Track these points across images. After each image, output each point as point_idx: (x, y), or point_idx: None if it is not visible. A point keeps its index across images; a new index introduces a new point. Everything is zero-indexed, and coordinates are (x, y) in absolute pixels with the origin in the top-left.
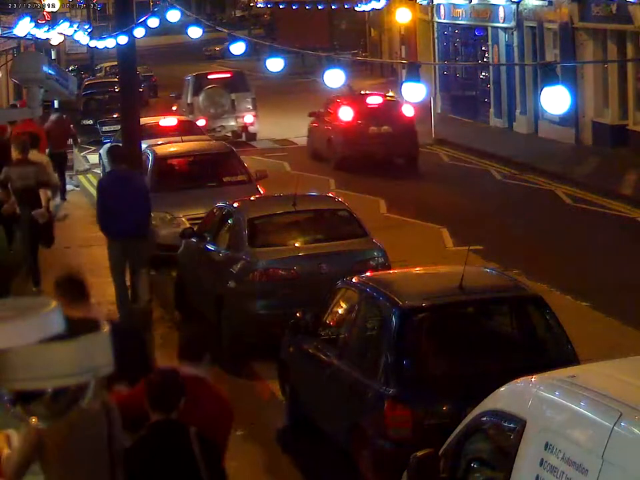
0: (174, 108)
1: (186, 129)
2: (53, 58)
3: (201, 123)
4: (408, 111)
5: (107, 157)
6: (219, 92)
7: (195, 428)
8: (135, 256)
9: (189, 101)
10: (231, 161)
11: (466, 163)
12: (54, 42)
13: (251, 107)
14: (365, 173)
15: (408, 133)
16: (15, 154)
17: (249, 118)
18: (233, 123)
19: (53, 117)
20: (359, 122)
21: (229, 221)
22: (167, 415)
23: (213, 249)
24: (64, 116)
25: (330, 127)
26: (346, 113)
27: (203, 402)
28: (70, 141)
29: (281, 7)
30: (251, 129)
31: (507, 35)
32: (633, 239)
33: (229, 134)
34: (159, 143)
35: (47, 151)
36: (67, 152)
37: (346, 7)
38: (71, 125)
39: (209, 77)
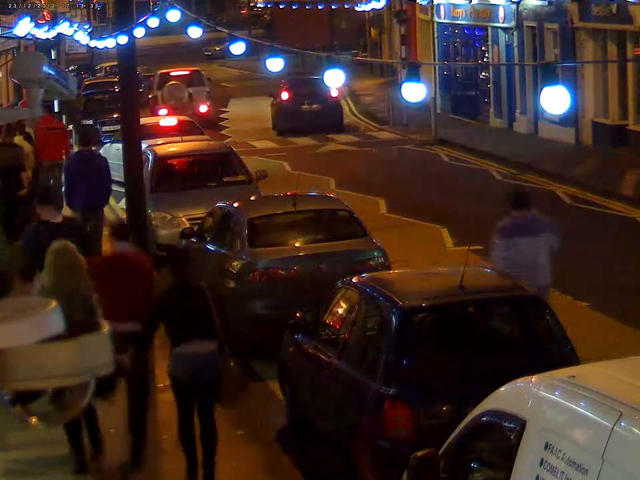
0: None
1: (186, 129)
2: (52, 58)
3: (163, 112)
4: (334, 92)
5: (75, 139)
6: (179, 87)
7: (205, 283)
8: (92, 225)
9: (154, 94)
10: (230, 161)
11: (466, 162)
12: (54, 42)
13: (205, 99)
14: (364, 173)
15: (333, 108)
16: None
17: (203, 108)
18: (190, 112)
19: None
20: (294, 101)
21: (229, 221)
22: (182, 276)
23: (212, 248)
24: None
25: (276, 105)
26: (283, 94)
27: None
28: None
29: (280, 7)
30: (206, 117)
31: (507, 35)
32: (633, 239)
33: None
34: (159, 143)
35: None
36: None
37: (346, 6)
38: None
39: (171, 74)
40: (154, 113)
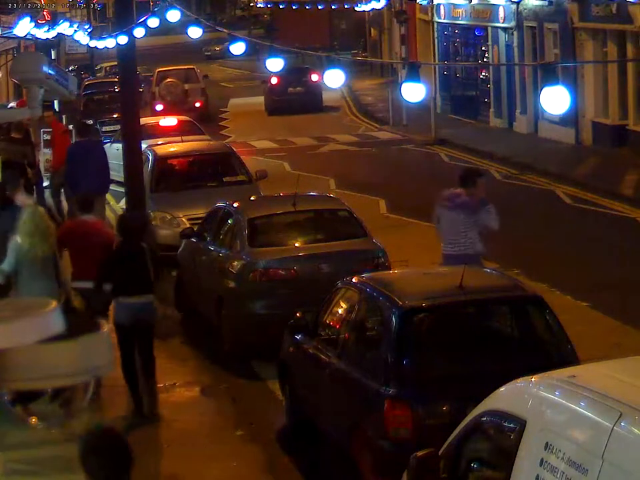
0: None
1: (186, 128)
2: (52, 58)
3: (160, 107)
4: (314, 77)
5: (74, 130)
6: (175, 84)
7: (146, 245)
8: (95, 212)
9: (152, 90)
10: (231, 161)
11: (466, 163)
12: (54, 42)
13: (200, 95)
14: (364, 173)
15: (314, 92)
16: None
17: (197, 103)
18: (185, 107)
19: None
20: (279, 84)
21: (229, 221)
22: (130, 239)
23: (212, 248)
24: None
25: (268, 89)
26: (272, 79)
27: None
28: None
29: (280, 6)
30: (201, 112)
31: (506, 35)
32: (633, 239)
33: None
34: (159, 143)
35: None
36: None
37: (346, 6)
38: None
39: (168, 71)
40: (152, 108)
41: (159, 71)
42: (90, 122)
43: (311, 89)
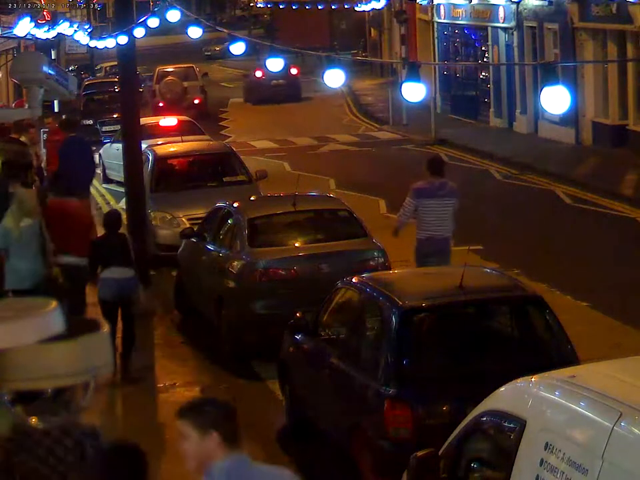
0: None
1: (186, 128)
2: (52, 58)
3: (160, 104)
4: (294, 71)
5: (62, 125)
6: (175, 82)
7: (125, 233)
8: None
9: (152, 88)
10: (231, 161)
11: (466, 162)
12: (54, 42)
13: (198, 92)
14: (364, 173)
15: (294, 84)
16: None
17: (196, 100)
18: (185, 104)
19: None
20: (264, 77)
21: (229, 221)
22: (113, 230)
23: (212, 248)
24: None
25: (252, 82)
26: (257, 73)
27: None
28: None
29: (280, 6)
30: (200, 109)
31: (506, 35)
32: (633, 239)
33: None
34: (159, 143)
35: None
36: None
37: (346, 6)
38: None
39: (168, 70)
40: (152, 105)
41: (159, 70)
42: (90, 122)
43: (291, 81)
